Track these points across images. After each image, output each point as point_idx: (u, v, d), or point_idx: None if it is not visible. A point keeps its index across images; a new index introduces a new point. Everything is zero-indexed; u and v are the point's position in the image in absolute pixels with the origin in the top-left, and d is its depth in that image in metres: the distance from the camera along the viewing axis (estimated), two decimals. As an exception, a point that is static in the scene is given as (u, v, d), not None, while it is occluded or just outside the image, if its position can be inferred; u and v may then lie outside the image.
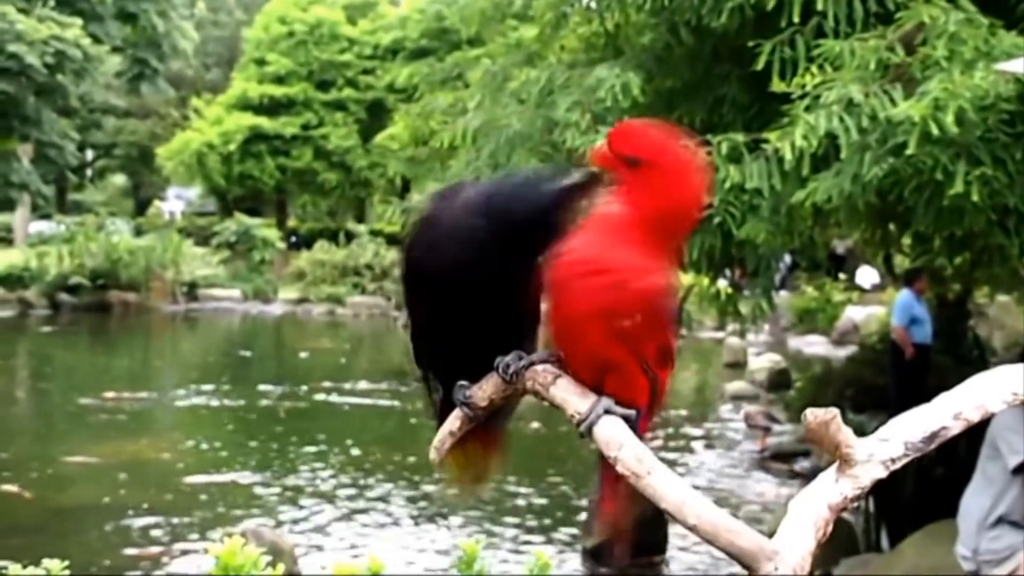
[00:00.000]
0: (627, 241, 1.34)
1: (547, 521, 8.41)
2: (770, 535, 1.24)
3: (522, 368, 1.40)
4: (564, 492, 9.29)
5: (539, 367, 1.40)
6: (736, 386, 15.27)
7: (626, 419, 1.37)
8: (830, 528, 1.26)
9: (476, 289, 1.40)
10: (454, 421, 1.44)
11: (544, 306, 1.41)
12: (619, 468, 1.29)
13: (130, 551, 7.35)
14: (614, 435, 1.31)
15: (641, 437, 1.39)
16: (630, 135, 1.38)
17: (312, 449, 10.77)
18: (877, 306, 19.08)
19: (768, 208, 4.80)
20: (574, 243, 1.35)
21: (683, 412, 13.51)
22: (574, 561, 7.47)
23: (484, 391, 1.43)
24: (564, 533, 8.09)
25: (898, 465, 1.29)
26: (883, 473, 1.28)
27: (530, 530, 8.14)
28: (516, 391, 1.42)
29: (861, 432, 1.30)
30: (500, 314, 1.43)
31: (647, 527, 7.35)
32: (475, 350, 1.44)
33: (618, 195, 1.37)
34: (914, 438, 1.30)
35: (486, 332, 1.44)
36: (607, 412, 1.33)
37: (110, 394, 13.47)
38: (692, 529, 1.24)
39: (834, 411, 1.25)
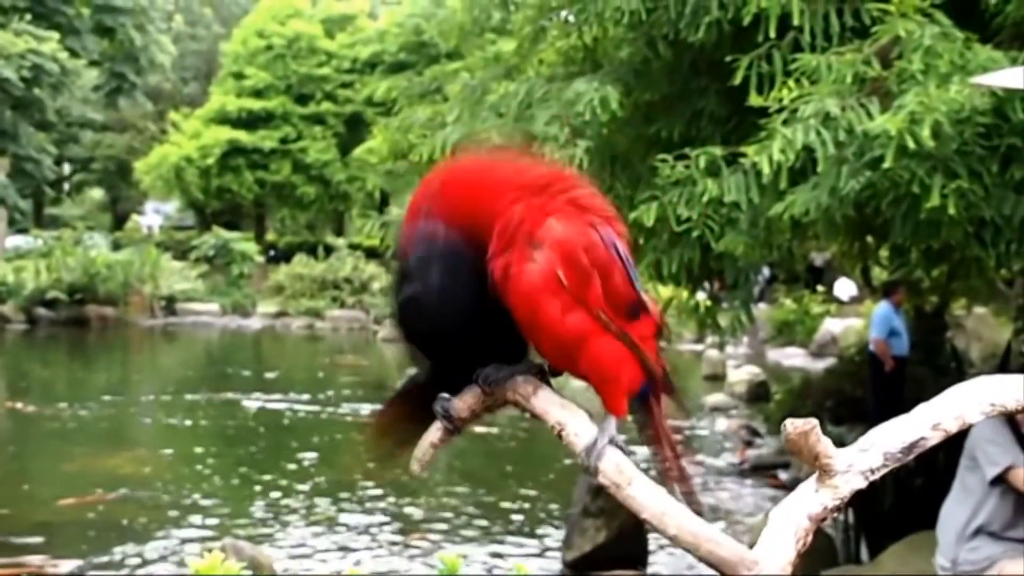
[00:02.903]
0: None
1: (527, 533, 8.40)
2: (750, 546, 1.24)
3: (502, 379, 1.39)
4: (544, 504, 9.28)
5: (520, 378, 1.39)
6: (715, 398, 15.30)
7: (641, 395, 1.37)
8: (810, 538, 1.26)
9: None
10: (435, 432, 1.44)
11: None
12: (600, 479, 1.29)
13: (107, 559, 7.29)
14: (622, 467, 1.30)
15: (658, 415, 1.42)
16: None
17: (291, 462, 10.72)
18: (855, 318, 19.15)
19: (746, 221, 4.82)
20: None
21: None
22: (554, 572, 7.45)
23: (465, 403, 1.41)
24: (544, 545, 8.07)
25: (877, 475, 1.29)
26: (863, 483, 1.28)
27: (510, 542, 8.12)
28: (497, 402, 1.41)
29: (840, 444, 1.31)
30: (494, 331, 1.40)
31: (627, 538, 7.34)
32: (470, 365, 1.41)
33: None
34: (893, 448, 1.30)
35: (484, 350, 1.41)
36: (611, 443, 1.31)
37: (90, 405, 13.39)
38: (673, 539, 1.24)
39: (813, 421, 1.26)
